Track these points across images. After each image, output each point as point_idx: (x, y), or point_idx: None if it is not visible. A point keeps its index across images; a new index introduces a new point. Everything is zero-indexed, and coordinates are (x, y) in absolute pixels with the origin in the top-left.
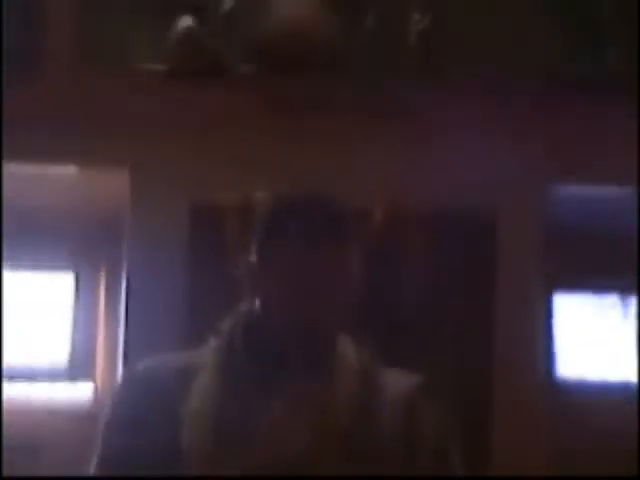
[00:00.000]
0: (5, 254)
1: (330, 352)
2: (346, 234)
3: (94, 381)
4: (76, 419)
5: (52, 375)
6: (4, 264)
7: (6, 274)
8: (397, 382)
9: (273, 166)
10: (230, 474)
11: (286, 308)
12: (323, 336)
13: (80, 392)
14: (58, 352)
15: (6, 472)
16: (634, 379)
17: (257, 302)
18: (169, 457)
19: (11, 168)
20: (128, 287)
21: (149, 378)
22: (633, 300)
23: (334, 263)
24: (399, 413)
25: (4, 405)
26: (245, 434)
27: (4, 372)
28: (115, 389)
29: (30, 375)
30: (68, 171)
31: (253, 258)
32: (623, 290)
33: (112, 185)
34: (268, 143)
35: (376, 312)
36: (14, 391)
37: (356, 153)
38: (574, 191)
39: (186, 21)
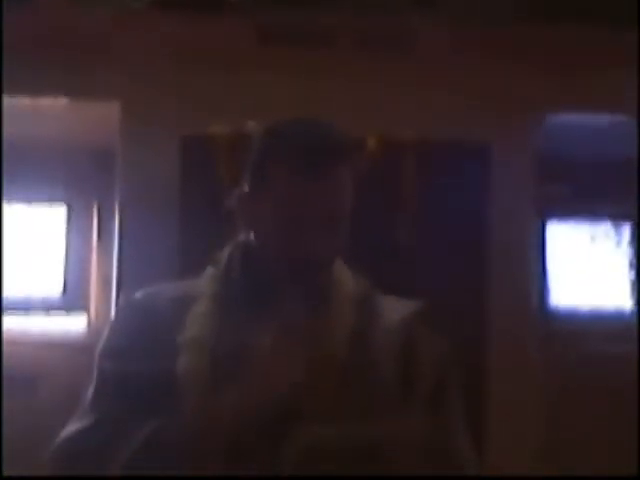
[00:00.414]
0: None
1: (327, 280)
2: (342, 160)
3: (88, 312)
4: (71, 350)
5: (47, 307)
6: None
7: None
8: (394, 309)
9: (264, 97)
10: (226, 401)
11: (282, 236)
12: (319, 264)
13: (74, 323)
14: (52, 284)
15: (4, 403)
16: (627, 306)
17: (252, 232)
18: (165, 384)
19: (3, 101)
20: (121, 219)
21: (145, 306)
22: (626, 227)
23: (330, 189)
24: (396, 341)
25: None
26: (241, 362)
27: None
28: (113, 316)
29: (25, 307)
30: (59, 104)
31: (246, 188)
32: (616, 217)
33: (104, 118)
34: (260, 74)
35: (371, 239)
36: (10, 323)
37: (353, 82)
38: (568, 119)
39: None
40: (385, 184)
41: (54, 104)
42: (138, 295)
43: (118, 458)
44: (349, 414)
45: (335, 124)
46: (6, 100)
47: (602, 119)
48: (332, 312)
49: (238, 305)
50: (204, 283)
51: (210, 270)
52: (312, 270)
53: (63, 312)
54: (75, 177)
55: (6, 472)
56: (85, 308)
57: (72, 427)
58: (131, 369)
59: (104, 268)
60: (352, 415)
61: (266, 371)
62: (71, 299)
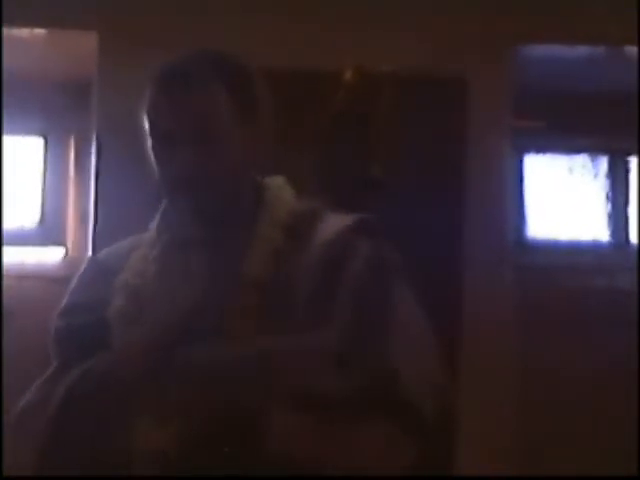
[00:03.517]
0: None
1: (249, 202)
2: (209, 76)
3: (64, 245)
4: (46, 283)
5: (23, 240)
6: None
7: None
8: (334, 224)
9: (241, 31)
10: (147, 332)
11: (158, 158)
12: (200, 182)
13: (50, 256)
14: (28, 216)
15: None
16: (603, 239)
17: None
18: (103, 329)
19: None
20: (98, 152)
21: (99, 263)
22: (603, 160)
23: (196, 103)
24: (325, 254)
25: None
26: (163, 293)
27: None
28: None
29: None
30: (37, 34)
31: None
32: (593, 150)
33: (81, 49)
34: (236, 8)
35: (344, 171)
36: None
37: (327, 16)
38: (544, 51)
39: None
40: (360, 117)
41: (31, 35)
42: (101, 254)
43: (55, 397)
44: (267, 333)
45: (226, 51)
46: None
47: (580, 50)
48: (256, 231)
49: (168, 246)
50: (149, 232)
51: (156, 218)
52: (191, 183)
53: (40, 245)
54: (52, 109)
55: None
56: (62, 241)
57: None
58: (79, 321)
59: (81, 201)
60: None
61: (186, 297)
62: (48, 232)
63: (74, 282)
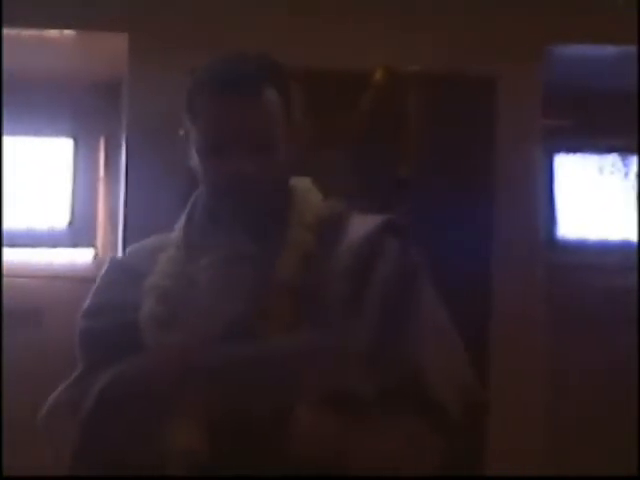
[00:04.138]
0: (5, 120)
1: (281, 205)
2: (264, 82)
3: (94, 246)
4: (77, 283)
5: (53, 241)
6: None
7: (7, 140)
8: (360, 226)
9: (270, 28)
10: (186, 339)
11: (211, 163)
12: (250, 187)
13: (81, 257)
14: (59, 218)
15: (9, 336)
16: (633, 238)
17: (198, 173)
18: (132, 333)
19: (9, 34)
20: (127, 152)
21: (124, 263)
22: (633, 159)
23: (251, 110)
24: (355, 257)
25: (6, 270)
26: (193, 297)
27: (6, 237)
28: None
29: (31, 241)
30: (67, 36)
31: (181, 131)
32: (623, 149)
33: (112, 50)
34: (267, 9)
35: (373, 172)
36: (16, 256)
37: (357, 17)
38: (574, 50)
39: None
40: (390, 117)
41: (62, 36)
42: (125, 253)
43: (87, 400)
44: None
45: (269, 53)
46: (14, 32)
47: (610, 50)
48: (287, 236)
49: (198, 248)
50: (176, 232)
51: (182, 218)
52: (245, 194)
53: (70, 246)
54: (82, 110)
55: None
56: (92, 242)
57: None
58: (106, 323)
59: (111, 201)
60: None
61: (209, 302)
62: (78, 233)
63: (97, 283)
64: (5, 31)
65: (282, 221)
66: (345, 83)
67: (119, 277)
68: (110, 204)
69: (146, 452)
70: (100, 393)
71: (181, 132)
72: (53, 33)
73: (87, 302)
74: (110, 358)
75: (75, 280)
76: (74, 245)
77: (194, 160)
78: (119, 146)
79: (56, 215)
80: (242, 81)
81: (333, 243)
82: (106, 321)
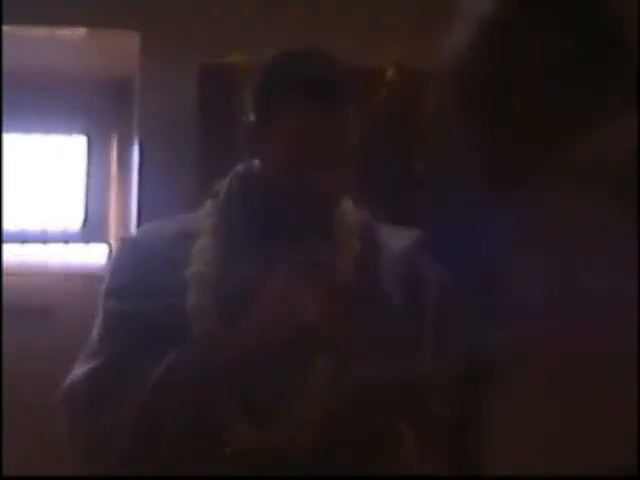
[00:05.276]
0: (17, 118)
1: (330, 211)
2: (344, 92)
3: (107, 243)
4: (90, 281)
5: (66, 239)
6: (16, 128)
7: (19, 138)
8: (395, 238)
9: (284, 26)
10: (239, 337)
11: (286, 166)
12: (325, 198)
13: (93, 254)
14: (72, 215)
15: (21, 333)
16: None
17: (256, 161)
18: (175, 321)
19: (21, 31)
20: (140, 150)
21: (145, 244)
22: None
23: (336, 124)
24: (401, 270)
25: (19, 268)
26: (248, 293)
27: (19, 235)
28: (112, 256)
29: (44, 238)
30: (79, 34)
31: (252, 117)
32: None
33: (123, 48)
34: (280, 3)
35: (388, 169)
36: (29, 254)
37: (371, 14)
38: None
39: None
40: (403, 114)
41: (74, 34)
42: (136, 234)
43: (136, 396)
44: (365, 346)
45: (335, 53)
46: (26, 30)
47: None
48: (336, 241)
49: (240, 238)
50: (204, 217)
51: (209, 203)
52: (318, 204)
53: (82, 244)
54: (94, 108)
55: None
56: (105, 240)
57: (83, 367)
58: (138, 307)
59: (124, 197)
60: (368, 347)
61: (280, 306)
62: (91, 230)
63: (115, 262)
64: (18, 29)
65: (330, 229)
66: (357, 81)
67: (143, 259)
68: (123, 201)
69: (206, 443)
70: (155, 385)
71: (246, 118)
72: (65, 31)
73: (109, 281)
74: (153, 343)
75: (88, 278)
76: (87, 242)
77: (253, 144)
78: (131, 144)
79: (69, 212)
80: (329, 86)
81: (374, 253)
82: (139, 304)
